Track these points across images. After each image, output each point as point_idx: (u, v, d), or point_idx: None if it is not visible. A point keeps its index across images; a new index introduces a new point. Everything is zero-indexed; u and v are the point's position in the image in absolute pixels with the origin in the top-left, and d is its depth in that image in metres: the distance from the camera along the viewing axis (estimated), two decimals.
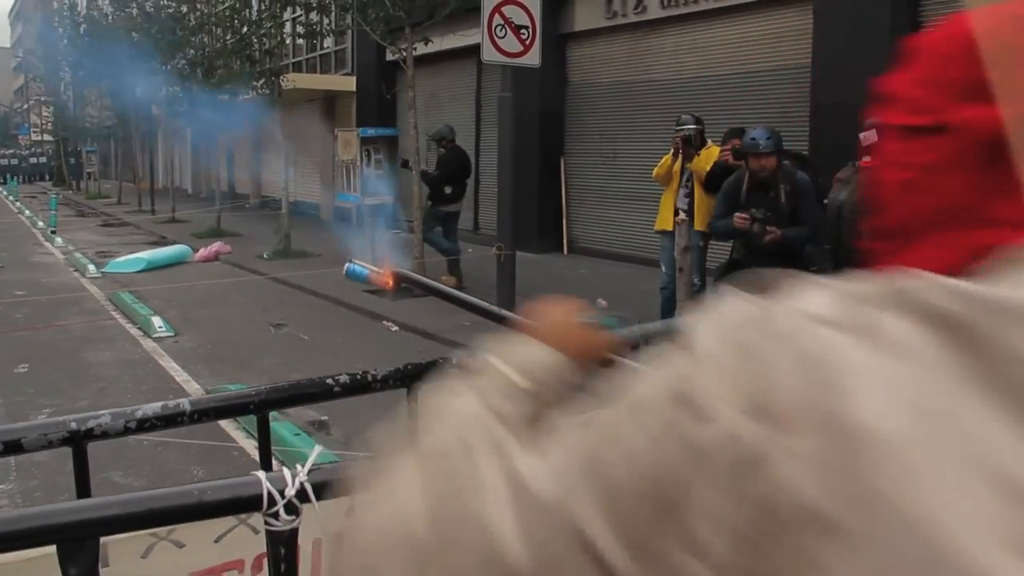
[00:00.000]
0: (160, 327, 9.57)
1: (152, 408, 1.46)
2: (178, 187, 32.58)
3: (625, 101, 13.67)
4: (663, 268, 8.12)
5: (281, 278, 12.89)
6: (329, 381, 1.63)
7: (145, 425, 1.44)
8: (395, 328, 9.67)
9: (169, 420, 1.48)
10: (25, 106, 73.53)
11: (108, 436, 1.45)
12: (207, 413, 1.52)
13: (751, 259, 5.81)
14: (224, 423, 6.31)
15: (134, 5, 22.99)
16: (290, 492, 0.92)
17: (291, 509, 0.94)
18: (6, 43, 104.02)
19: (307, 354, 8.58)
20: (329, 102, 21.78)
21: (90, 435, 1.43)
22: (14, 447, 1.35)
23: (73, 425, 1.40)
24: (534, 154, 14.32)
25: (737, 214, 5.77)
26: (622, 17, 13.57)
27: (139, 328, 9.87)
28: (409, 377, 1.70)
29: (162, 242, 17.73)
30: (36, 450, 1.37)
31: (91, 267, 14.35)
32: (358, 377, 1.65)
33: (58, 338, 9.58)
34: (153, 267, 14.25)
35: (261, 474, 0.93)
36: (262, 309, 11.03)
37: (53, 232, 19.94)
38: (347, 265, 1.49)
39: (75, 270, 14.73)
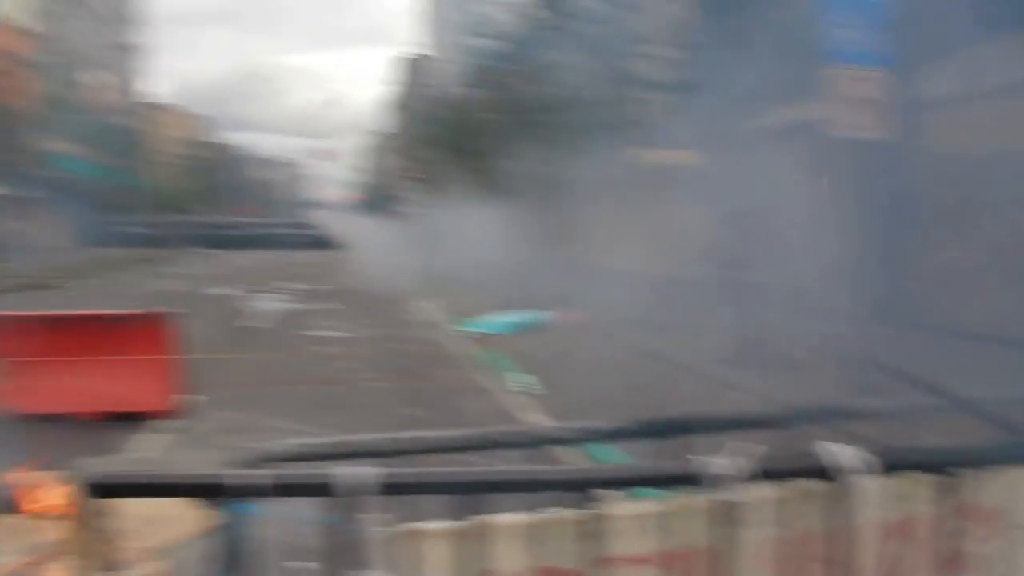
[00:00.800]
0: (525, 383, 10.51)
1: (604, 424, 1.97)
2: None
3: (991, 173, 12.91)
4: None
5: (634, 344, 13.51)
6: (737, 415, 2.06)
7: (599, 435, 1.96)
8: (746, 397, 9.88)
9: (615, 434, 1.98)
10: (400, 182, 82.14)
11: (569, 443, 1.98)
12: (623, 433, 1.99)
13: None
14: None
15: (494, 90, 25.44)
16: (735, 470, 1.35)
17: (725, 486, 1.36)
18: (385, 127, 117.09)
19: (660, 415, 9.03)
20: (675, 175, 22.45)
21: (559, 440, 1.96)
22: (510, 444, 1.92)
23: (548, 431, 1.95)
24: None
25: None
26: (987, 81, 12.91)
27: (506, 383, 10.88)
28: (806, 417, 2.07)
29: (520, 306, 19.14)
30: (526, 448, 1.93)
31: (461, 326, 15.95)
32: (763, 414, 2.07)
33: (437, 388, 10.84)
34: (515, 329, 15.54)
35: (714, 458, 1.37)
36: (617, 372, 11.68)
37: (427, 294, 22.32)
38: None
39: (447, 328, 16.43)
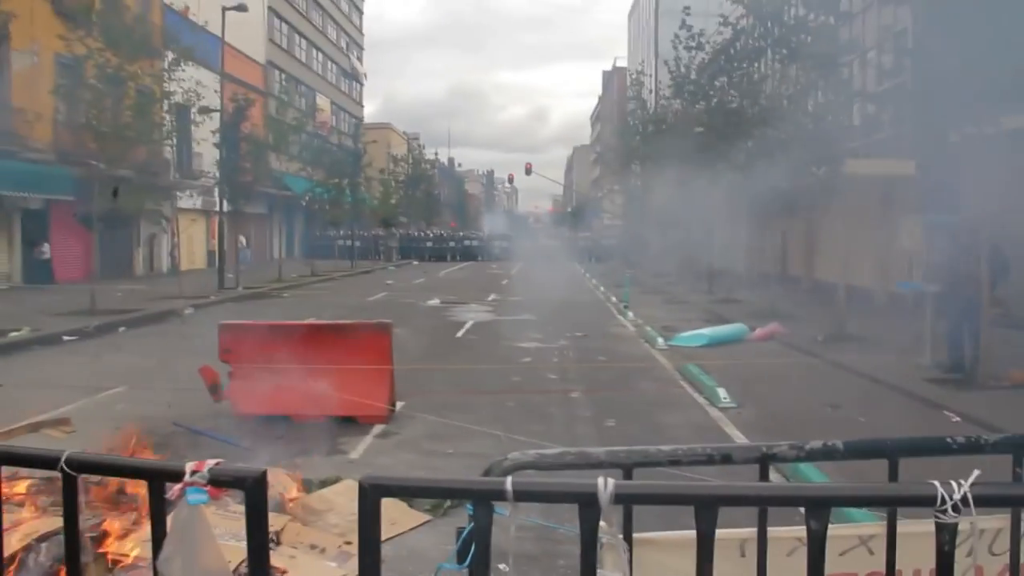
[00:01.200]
0: (724, 398, 10.41)
1: (816, 443, 2.00)
2: (733, 269, 34.28)
3: None
4: None
5: (836, 361, 13.11)
6: (948, 440, 2.04)
7: (813, 455, 1.99)
8: (956, 419, 9.38)
9: (827, 454, 2.01)
10: (600, 194, 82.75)
11: (784, 461, 2.02)
12: (838, 452, 2.01)
13: None
14: None
15: (702, 102, 25.23)
16: (957, 496, 1.37)
17: (956, 510, 1.38)
18: (587, 140, 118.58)
19: (863, 435, 8.69)
20: (888, 187, 21.46)
21: (773, 458, 2.01)
22: (727, 459, 1.99)
23: (763, 449, 2.01)
24: None
25: None
26: None
27: (705, 397, 10.83)
28: (1018, 446, 2.04)
29: (719, 320, 18.92)
30: (740, 463, 2.00)
31: (659, 340, 15.91)
32: (972, 439, 2.04)
33: (635, 400, 10.90)
34: (713, 343, 15.36)
35: (936, 482, 1.40)
36: (817, 389, 11.38)
37: (625, 307, 22.38)
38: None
39: (645, 341, 16.44)
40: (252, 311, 20.46)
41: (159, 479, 1.75)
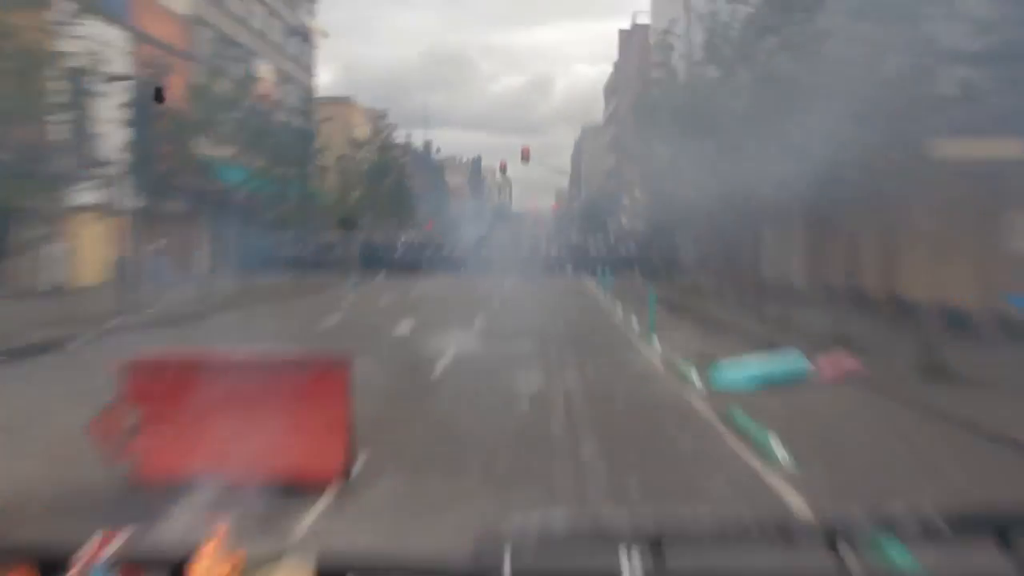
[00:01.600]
0: (781, 456, 10.29)
1: (910, 516, 1.94)
2: (787, 282, 34.34)
3: None
4: None
5: (932, 407, 12.94)
6: None
7: (905, 533, 1.93)
8: None
9: (927, 533, 1.94)
10: (617, 187, 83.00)
11: (863, 541, 1.96)
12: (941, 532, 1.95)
13: None
14: None
15: (743, 70, 25.35)
16: None
17: None
18: (599, 119, 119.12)
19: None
20: (993, 175, 21.46)
21: (848, 537, 1.95)
22: (786, 536, 1.93)
23: (835, 524, 1.95)
24: None
25: None
26: None
27: (755, 453, 10.71)
28: None
29: (771, 349, 18.82)
30: (804, 543, 1.94)
31: (694, 377, 15.87)
32: None
33: (664, 457, 10.83)
34: (766, 383, 15.22)
35: None
36: (906, 447, 11.29)
37: (650, 333, 22.35)
38: None
39: (676, 379, 16.38)
40: (166, 340, 20.37)
41: (52, 561, 1.68)
